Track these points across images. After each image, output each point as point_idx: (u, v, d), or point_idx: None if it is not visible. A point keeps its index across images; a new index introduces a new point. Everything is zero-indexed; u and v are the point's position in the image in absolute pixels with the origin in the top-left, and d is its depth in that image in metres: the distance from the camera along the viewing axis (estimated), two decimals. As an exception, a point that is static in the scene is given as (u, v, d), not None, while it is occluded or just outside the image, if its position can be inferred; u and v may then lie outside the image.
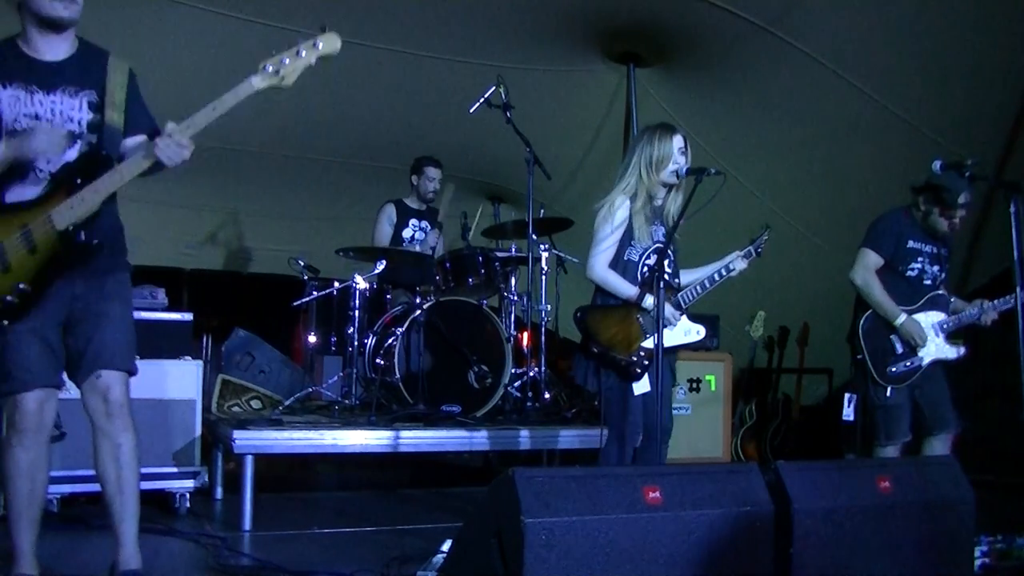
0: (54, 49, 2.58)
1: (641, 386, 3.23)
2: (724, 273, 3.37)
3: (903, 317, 3.88)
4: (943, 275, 4.01)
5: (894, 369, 3.90)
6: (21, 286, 2.43)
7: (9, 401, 2.52)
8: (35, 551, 2.59)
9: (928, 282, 3.97)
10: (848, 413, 4.00)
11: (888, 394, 3.88)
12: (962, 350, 3.95)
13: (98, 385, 2.57)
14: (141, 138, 2.66)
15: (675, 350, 3.40)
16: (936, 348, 3.93)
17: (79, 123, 2.59)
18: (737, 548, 2.45)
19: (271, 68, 2.47)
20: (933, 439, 3.93)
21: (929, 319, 3.93)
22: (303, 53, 2.48)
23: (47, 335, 2.54)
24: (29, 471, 2.54)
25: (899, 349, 3.92)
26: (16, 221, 2.47)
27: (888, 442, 3.90)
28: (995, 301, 3.89)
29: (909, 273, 3.95)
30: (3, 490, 2.70)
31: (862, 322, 3.99)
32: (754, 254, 3.43)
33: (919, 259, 3.96)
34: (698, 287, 3.35)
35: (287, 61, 2.47)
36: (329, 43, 2.49)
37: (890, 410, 3.89)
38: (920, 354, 3.90)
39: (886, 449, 3.92)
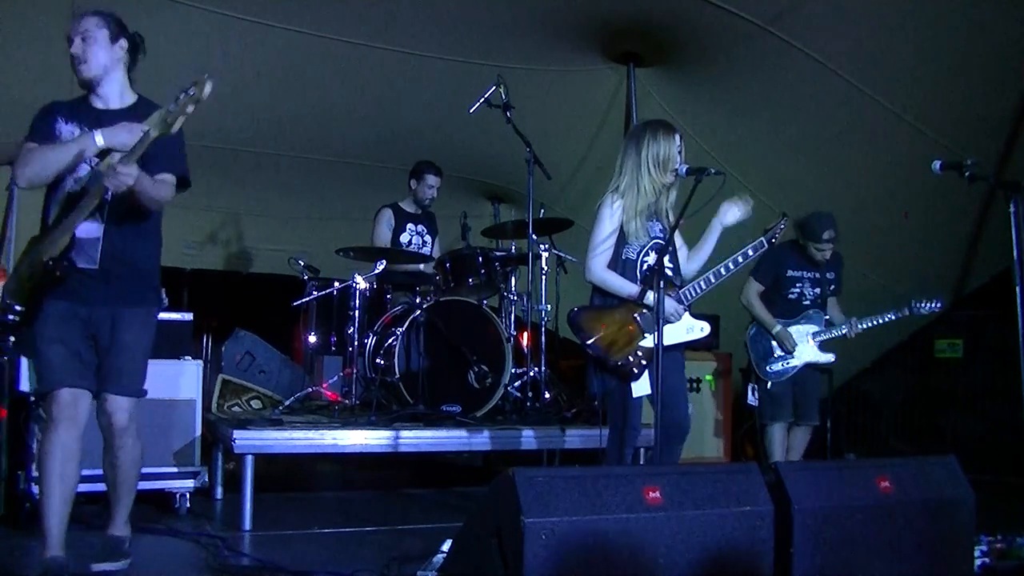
0: (111, 100, 2.95)
1: (641, 387, 3.19)
2: (732, 267, 3.29)
3: (778, 327, 4.75)
4: (828, 294, 4.84)
5: (770, 368, 4.78)
6: (17, 307, 2.80)
7: (48, 397, 2.86)
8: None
9: (807, 302, 4.80)
10: (752, 399, 4.85)
11: (769, 386, 4.76)
12: (831, 357, 4.77)
13: (105, 407, 2.92)
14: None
15: (679, 348, 3.34)
16: (808, 353, 4.75)
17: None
18: (737, 548, 2.45)
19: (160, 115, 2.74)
20: (797, 428, 4.85)
21: (803, 330, 4.77)
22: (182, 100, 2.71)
23: (74, 345, 2.86)
24: (60, 455, 2.84)
25: (776, 352, 4.78)
26: (34, 244, 2.85)
27: (772, 421, 4.79)
28: (862, 319, 4.71)
29: (790, 296, 4.80)
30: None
31: (748, 331, 4.89)
32: (766, 244, 3.38)
33: (798, 284, 4.80)
34: (702, 283, 3.29)
35: (173, 108, 2.72)
36: (201, 88, 2.71)
37: (773, 396, 4.77)
38: (795, 355, 4.73)
39: (772, 427, 4.79)
